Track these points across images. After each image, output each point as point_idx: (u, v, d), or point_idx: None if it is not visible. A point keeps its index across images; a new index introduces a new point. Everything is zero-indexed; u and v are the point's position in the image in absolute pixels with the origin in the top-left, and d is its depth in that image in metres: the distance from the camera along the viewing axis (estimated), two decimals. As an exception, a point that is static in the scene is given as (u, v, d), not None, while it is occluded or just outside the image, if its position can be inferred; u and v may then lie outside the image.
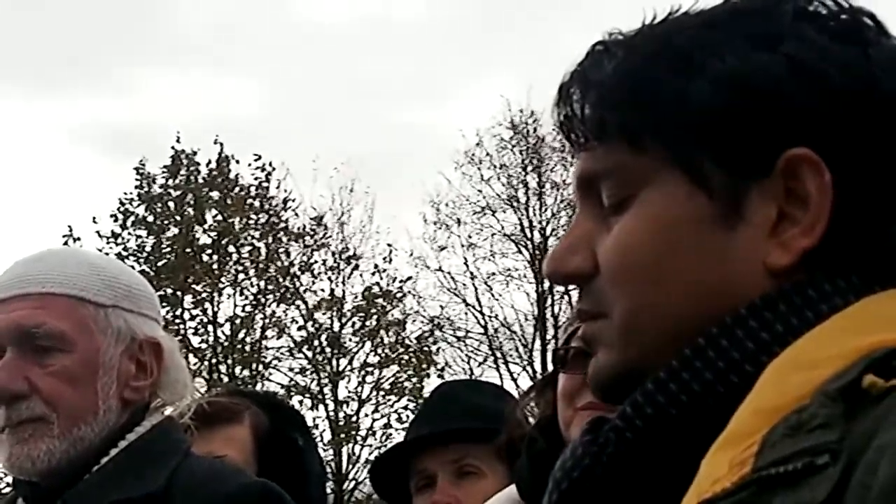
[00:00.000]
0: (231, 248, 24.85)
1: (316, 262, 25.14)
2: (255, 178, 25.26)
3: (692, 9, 1.03)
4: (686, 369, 0.94)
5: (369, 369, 24.66)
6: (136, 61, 36.21)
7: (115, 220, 24.77)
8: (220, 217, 24.80)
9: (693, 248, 0.96)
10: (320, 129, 35.92)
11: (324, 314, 24.73)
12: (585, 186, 1.04)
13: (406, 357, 24.82)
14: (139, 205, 24.90)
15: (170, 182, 25.04)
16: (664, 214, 0.98)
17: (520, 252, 25.03)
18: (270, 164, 25.32)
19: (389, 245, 25.36)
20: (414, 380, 24.62)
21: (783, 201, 0.95)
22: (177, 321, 23.59)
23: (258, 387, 22.43)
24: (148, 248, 24.62)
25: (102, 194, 41.63)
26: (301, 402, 23.32)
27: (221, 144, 25.20)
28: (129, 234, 24.74)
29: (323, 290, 24.91)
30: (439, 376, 24.12)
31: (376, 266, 25.18)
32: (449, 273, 25.10)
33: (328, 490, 3.31)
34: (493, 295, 25.07)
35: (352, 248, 25.17)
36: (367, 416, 24.44)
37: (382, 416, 24.45)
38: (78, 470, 1.99)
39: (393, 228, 34.72)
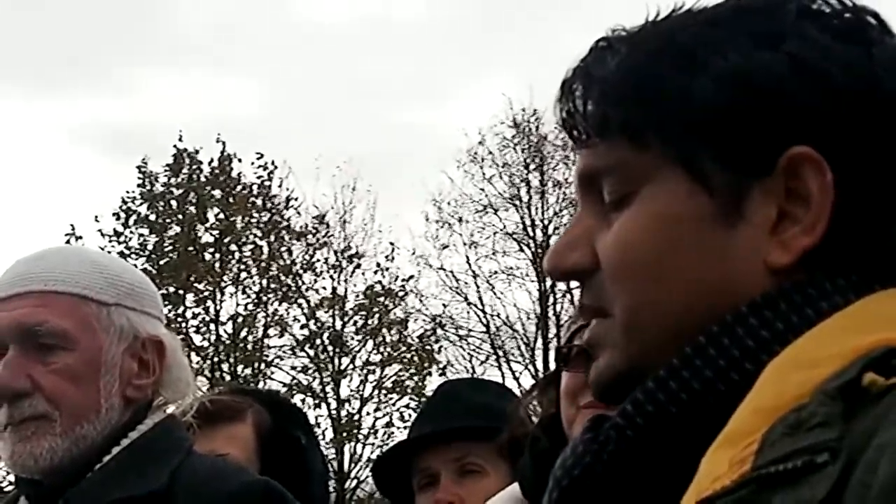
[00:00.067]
0: (233, 247, 24.87)
1: (318, 260, 25.17)
2: (258, 177, 25.28)
3: (696, 6, 1.03)
4: (687, 367, 0.94)
5: (371, 368, 24.68)
6: (137, 61, 36.26)
7: (118, 219, 24.81)
8: (222, 215, 24.81)
9: (694, 246, 0.96)
10: (322, 129, 35.94)
11: (326, 313, 24.74)
12: (587, 183, 1.04)
13: (408, 356, 24.83)
14: (141, 203, 24.92)
15: (172, 181, 25.07)
16: (665, 212, 0.98)
17: (522, 250, 25.06)
18: (272, 163, 25.36)
19: (391, 244, 25.41)
20: (416, 378, 24.63)
21: (784, 200, 0.95)
22: (179, 320, 23.61)
23: (260, 385, 22.44)
24: (150, 247, 24.64)
25: (104, 193, 41.71)
26: (303, 401, 23.31)
27: (224, 143, 25.25)
28: (132, 232, 24.77)
29: (325, 289, 24.95)
30: (441, 375, 24.15)
31: (378, 265, 25.21)
32: (451, 272, 25.13)
33: (330, 489, 3.31)
34: (495, 293, 25.10)
35: (354, 246, 25.21)
36: (368, 414, 24.48)
37: (384, 415, 24.49)
38: (80, 468, 1.99)
39: (395, 227, 34.88)
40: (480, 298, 24.98)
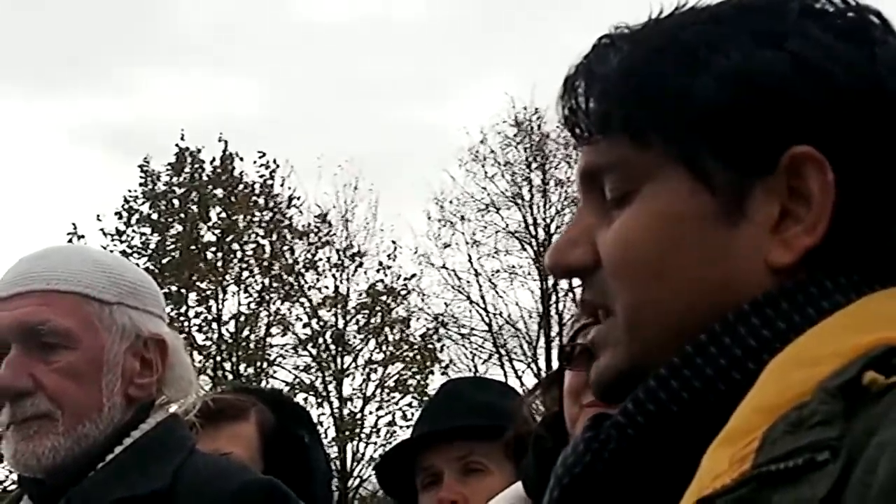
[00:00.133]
0: (235, 246, 24.89)
1: (320, 259, 25.18)
2: (260, 176, 25.29)
3: (699, 4, 1.03)
4: (688, 366, 0.94)
5: (374, 367, 24.68)
6: (139, 60, 36.28)
7: (120, 218, 24.83)
8: (224, 214, 24.82)
9: (695, 244, 0.96)
10: (324, 128, 36.00)
11: (328, 312, 24.75)
12: (588, 180, 1.04)
13: (410, 354, 24.84)
14: (143, 202, 24.95)
15: (174, 180, 25.08)
16: (667, 210, 0.98)
17: (524, 249, 25.07)
18: (274, 162, 25.37)
19: (394, 242, 25.41)
20: (418, 377, 24.64)
21: (786, 199, 0.95)
22: (181, 318, 23.62)
23: (262, 384, 22.44)
24: (152, 246, 24.66)
25: (106, 192, 41.73)
26: (305, 400, 23.30)
27: (226, 142, 25.26)
28: (134, 231, 24.79)
29: (327, 288, 24.96)
30: (443, 374, 24.16)
31: (381, 263, 25.22)
32: (453, 270, 25.15)
33: (333, 487, 3.31)
34: (497, 292, 25.12)
35: (356, 245, 25.22)
36: (371, 413, 24.49)
37: (387, 414, 24.50)
38: (83, 467, 1.99)
39: (397, 226, 34.82)
40: (483, 297, 25.03)
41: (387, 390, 24.63)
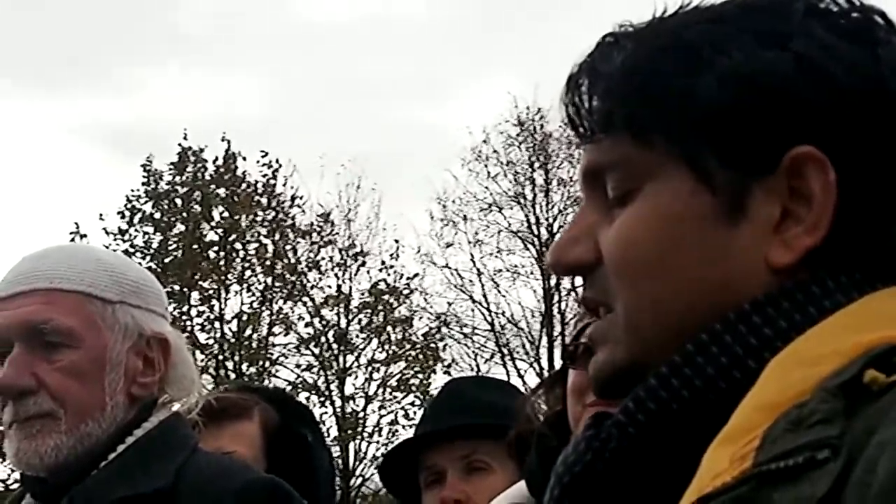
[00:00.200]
0: (238, 245, 24.88)
1: (323, 258, 25.18)
2: (263, 175, 25.29)
3: (703, 3, 1.03)
4: (689, 364, 0.94)
5: (376, 366, 24.68)
6: (141, 60, 36.28)
7: (122, 217, 24.82)
8: (226, 214, 24.82)
9: (696, 244, 0.96)
10: (326, 127, 35.99)
11: (331, 311, 24.75)
12: (591, 178, 1.04)
13: (413, 354, 24.84)
14: (146, 202, 24.94)
15: (177, 179, 25.07)
16: (668, 210, 0.98)
17: (526, 249, 25.06)
18: (277, 161, 25.37)
19: (396, 242, 25.40)
20: (420, 376, 24.64)
21: (787, 199, 0.95)
22: (183, 318, 23.62)
23: (265, 383, 22.44)
24: (155, 245, 24.66)
25: (109, 191, 41.82)
26: (308, 399, 23.32)
27: (228, 142, 25.26)
28: (136, 230, 24.79)
29: (330, 287, 24.96)
30: (446, 373, 24.14)
31: (383, 263, 25.22)
32: (456, 270, 25.14)
33: (336, 486, 3.32)
34: (499, 291, 25.12)
35: (359, 244, 25.21)
36: (373, 412, 24.49)
37: (389, 413, 24.49)
38: (85, 466, 1.99)
39: (400, 225, 34.74)
40: (485, 296, 25.02)
41: (389, 389, 24.64)
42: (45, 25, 34.46)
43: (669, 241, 0.97)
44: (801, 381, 0.83)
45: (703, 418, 0.90)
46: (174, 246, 24.61)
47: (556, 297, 24.46)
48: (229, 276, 24.66)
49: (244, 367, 24.27)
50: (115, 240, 24.42)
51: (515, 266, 25.05)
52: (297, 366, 24.70)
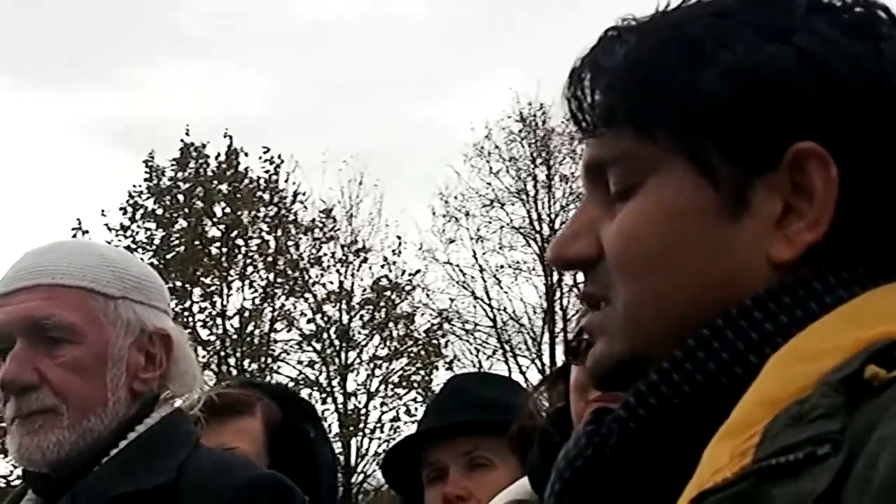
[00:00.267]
0: (240, 241, 24.90)
1: (325, 254, 25.20)
2: (265, 171, 25.30)
3: None
4: (690, 360, 0.94)
5: (378, 362, 24.70)
6: (143, 56, 36.45)
7: (125, 213, 24.85)
8: (228, 210, 24.83)
9: (698, 239, 0.96)
10: (328, 123, 36.03)
11: (333, 307, 24.77)
12: (593, 173, 1.04)
13: (415, 350, 24.86)
14: (148, 198, 24.96)
15: (179, 175, 25.08)
16: (670, 204, 0.98)
17: (528, 245, 25.07)
18: (279, 157, 25.37)
19: (398, 238, 25.40)
20: (422, 373, 24.66)
21: (789, 195, 0.95)
22: (185, 314, 23.65)
23: (267, 380, 22.44)
24: (157, 241, 24.69)
25: (111, 188, 41.87)
26: (310, 395, 23.32)
27: (231, 137, 25.27)
28: (139, 226, 24.82)
29: (332, 283, 24.98)
30: (448, 369, 24.18)
31: (385, 259, 25.22)
32: (458, 266, 25.16)
33: (339, 482, 3.32)
34: (501, 288, 25.13)
35: (361, 241, 25.23)
36: (375, 409, 24.51)
37: (391, 409, 24.51)
38: (87, 461, 1.99)
39: (402, 221, 34.77)
40: (487, 293, 25.04)
41: (391, 386, 24.66)
42: (45, 25, 34.57)
43: (671, 236, 0.97)
44: (802, 377, 0.83)
45: (704, 413, 0.90)
46: (176, 242, 24.63)
47: (558, 294, 24.47)
48: (231, 272, 24.68)
49: (246, 363, 24.30)
50: (118, 236, 24.46)
51: (517, 262, 25.09)
52: (299, 362, 24.76)
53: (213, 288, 24.59)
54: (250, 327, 24.55)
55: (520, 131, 25.36)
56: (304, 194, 25.45)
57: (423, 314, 25.37)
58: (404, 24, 35.70)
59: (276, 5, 36.50)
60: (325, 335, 24.64)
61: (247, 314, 24.52)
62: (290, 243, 25.17)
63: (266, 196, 25.27)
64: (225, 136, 25.29)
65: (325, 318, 24.69)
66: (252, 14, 35.92)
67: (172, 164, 25.13)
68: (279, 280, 24.84)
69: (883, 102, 0.95)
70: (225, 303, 24.63)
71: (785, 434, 0.80)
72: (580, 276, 1.06)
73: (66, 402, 1.97)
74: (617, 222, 1.00)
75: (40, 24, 34.38)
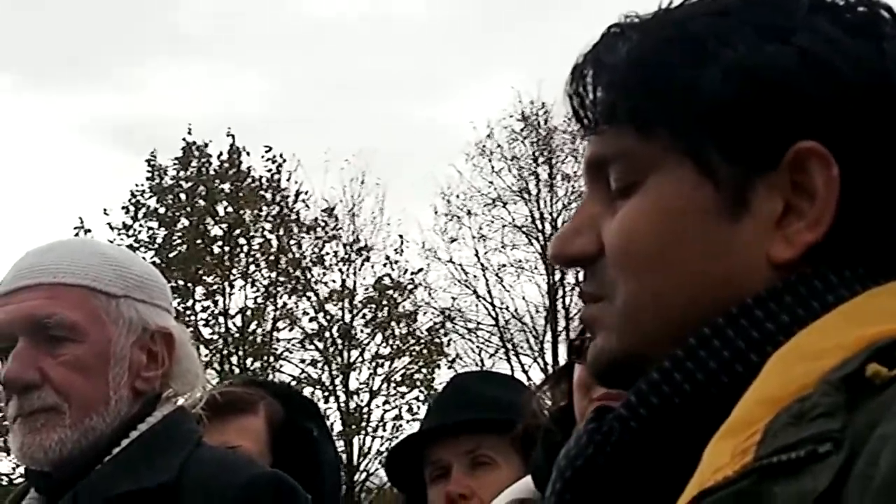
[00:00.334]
0: (242, 240, 24.91)
1: (327, 253, 25.20)
2: (267, 170, 25.31)
3: None
4: (691, 358, 0.94)
5: (380, 361, 24.70)
6: (144, 56, 36.43)
7: (127, 212, 24.86)
8: (231, 209, 24.84)
9: (698, 238, 0.96)
10: (330, 122, 36.05)
11: (335, 306, 24.77)
12: (594, 170, 1.03)
13: (417, 349, 24.85)
14: (150, 196, 24.97)
15: (181, 174, 25.09)
16: (670, 203, 0.97)
17: (531, 244, 25.06)
18: (281, 156, 25.38)
19: (400, 237, 25.41)
20: (425, 371, 24.66)
21: (789, 194, 0.95)
22: (188, 312, 23.64)
23: (269, 378, 22.45)
24: (159, 240, 24.69)
25: (113, 187, 41.92)
26: (312, 394, 23.32)
27: (233, 136, 25.27)
28: (141, 225, 24.82)
29: (334, 282, 24.98)
30: (450, 368, 24.18)
31: (387, 258, 25.22)
32: (460, 265, 25.15)
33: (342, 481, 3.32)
34: (504, 286, 25.12)
35: (363, 239, 25.23)
36: (377, 407, 24.51)
37: (393, 408, 24.51)
38: (90, 460, 1.99)
39: (404, 220, 34.73)
40: (489, 291, 25.03)
41: (393, 384, 24.66)
42: (46, 24, 34.60)
43: (671, 235, 0.97)
44: (803, 375, 0.83)
45: (705, 412, 0.90)
46: (178, 241, 24.63)
47: (560, 293, 24.46)
48: (233, 270, 24.69)
49: (248, 362, 24.30)
50: (120, 234, 24.47)
51: (520, 261, 25.08)
52: (302, 361, 24.75)
53: (215, 287, 24.60)
54: (252, 326, 24.56)
55: (521, 130, 25.38)
56: (306, 193, 25.48)
57: (425, 313, 25.40)
58: (404, 23, 35.74)
59: (276, 5, 36.55)
60: (327, 334, 24.64)
61: (249, 313, 24.53)
62: (292, 242, 25.18)
63: (268, 195, 25.27)
64: (227, 136, 25.32)
65: (328, 317, 24.70)
66: (252, 14, 35.99)
67: (175, 163, 25.15)
68: (281, 279, 24.84)
69: (884, 102, 0.95)
70: (227, 301, 24.65)
71: (786, 432, 0.79)
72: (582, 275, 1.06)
73: (68, 401, 1.97)
74: (617, 220, 1.00)
75: (41, 24, 34.44)
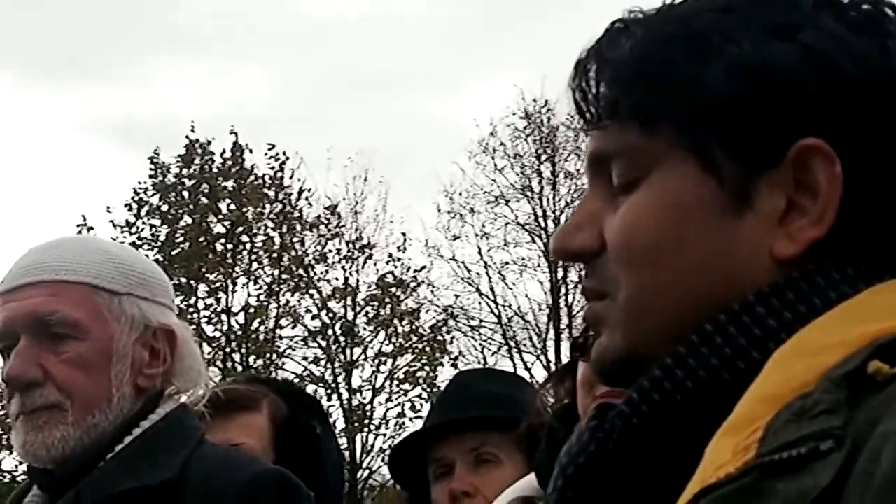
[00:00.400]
0: (245, 238, 24.92)
1: (330, 251, 25.21)
2: (270, 168, 25.32)
3: None
4: (693, 356, 0.94)
5: (383, 358, 24.72)
6: (147, 53, 36.46)
7: (130, 210, 24.89)
8: (234, 206, 24.85)
9: (701, 234, 0.96)
10: (334, 120, 36.06)
11: (338, 303, 24.79)
12: (596, 165, 1.03)
13: (420, 346, 24.86)
14: (153, 194, 25.00)
15: (184, 171, 25.11)
16: (673, 199, 0.97)
17: (533, 241, 25.06)
18: (284, 154, 25.39)
19: (403, 234, 25.42)
20: (427, 369, 24.67)
21: (793, 191, 0.95)
22: (190, 310, 23.66)
23: (272, 376, 22.46)
24: (162, 237, 24.72)
25: (116, 184, 41.95)
26: (315, 392, 23.34)
27: (236, 134, 25.29)
28: (144, 223, 24.85)
29: (337, 280, 25.00)
30: (453, 366, 24.20)
31: (390, 255, 25.25)
32: (463, 262, 25.16)
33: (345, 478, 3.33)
34: (506, 284, 25.12)
35: (366, 237, 25.25)
36: (380, 405, 24.53)
37: (396, 405, 24.53)
38: (92, 458, 1.99)
39: (407, 218, 34.83)
40: (492, 289, 25.03)
41: (396, 382, 24.67)
42: (47, 24, 34.63)
43: (674, 231, 0.96)
44: (805, 372, 0.83)
45: (707, 409, 0.90)
46: (181, 238, 24.66)
47: (563, 290, 24.46)
48: (236, 268, 24.71)
49: (251, 359, 24.32)
50: (123, 232, 24.49)
51: (522, 259, 25.08)
52: (304, 358, 24.78)
53: (218, 284, 24.62)
54: (255, 324, 24.58)
55: (524, 128, 25.37)
56: (309, 191, 25.50)
57: (428, 310, 25.42)
58: (404, 23, 35.76)
59: (275, 5, 36.59)
60: (330, 331, 24.66)
61: (252, 310, 24.55)
62: (295, 240, 25.20)
63: (271, 193, 25.29)
64: (230, 133, 25.34)
65: (331, 315, 24.71)
66: (252, 13, 36.03)
67: (178, 161, 25.16)
68: (284, 276, 24.86)
69: (888, 99, 0.94)
70: (230, 299, 24.68)
71: (787, 430, 0.79)
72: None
73: (71, 399, 1.97)
74: (619, 215, 0.99)
75: (42, 23, 34.47)
